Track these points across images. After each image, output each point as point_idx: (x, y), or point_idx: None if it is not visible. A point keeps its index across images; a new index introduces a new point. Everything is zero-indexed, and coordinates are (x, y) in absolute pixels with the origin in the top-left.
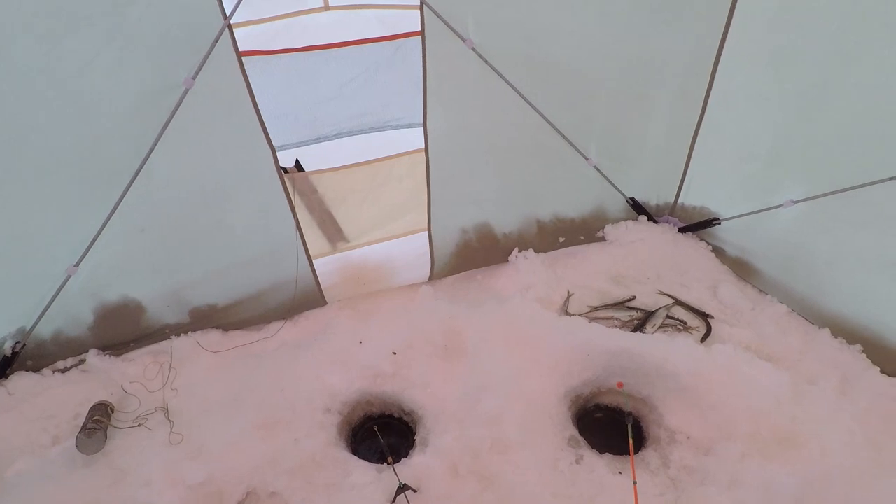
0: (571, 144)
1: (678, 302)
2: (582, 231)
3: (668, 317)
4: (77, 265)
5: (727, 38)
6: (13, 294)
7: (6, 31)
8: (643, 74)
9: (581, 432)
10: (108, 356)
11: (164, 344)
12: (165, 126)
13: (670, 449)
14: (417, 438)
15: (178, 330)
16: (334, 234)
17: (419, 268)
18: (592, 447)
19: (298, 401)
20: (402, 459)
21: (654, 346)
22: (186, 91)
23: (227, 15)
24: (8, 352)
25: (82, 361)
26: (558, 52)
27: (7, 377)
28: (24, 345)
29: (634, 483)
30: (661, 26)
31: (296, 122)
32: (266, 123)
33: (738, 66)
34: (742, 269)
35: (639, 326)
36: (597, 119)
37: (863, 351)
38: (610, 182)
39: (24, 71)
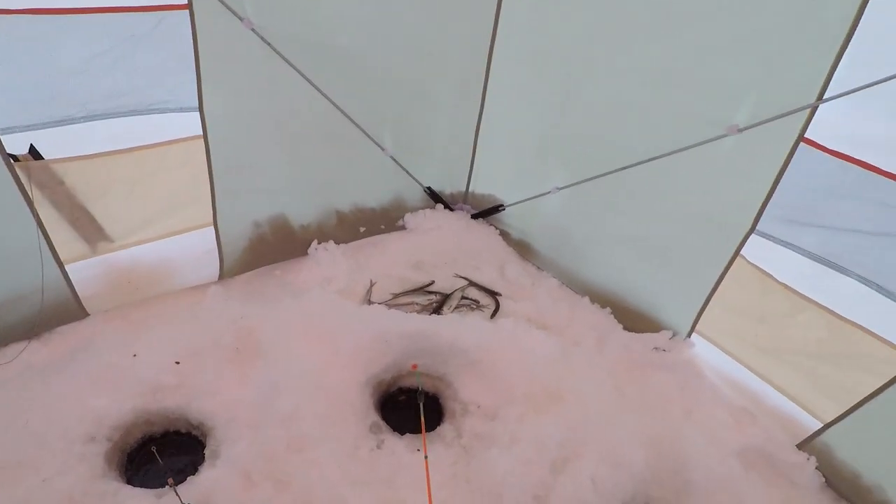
0: (366, 134)
1: (472, 283)
2: (383, 220)
3: (463, 297)
4: None
5: (496, 39)
6: None
7: None
8: (425, 67)
9: (384, 418)
10: None
11: None
12: None
13: (463, 420)
14: (207, 452)
15: None
16: (92, 234)
17: (206, 266)
18: (394, 430)
19: (49, 433)
20: (189, 478)
21: (448, 325)
22: None
23: None
24: None
25: None
26: (344, 40)
27: None
28: None
29: (426, 458)
30: (437, 23)
31: (27, 100)
32: None
33: (506, 65)
34: (524, 250)
35: (437, 309)
36: (388, 109)
37: (612, 313)
38: (406, 172)
39: None
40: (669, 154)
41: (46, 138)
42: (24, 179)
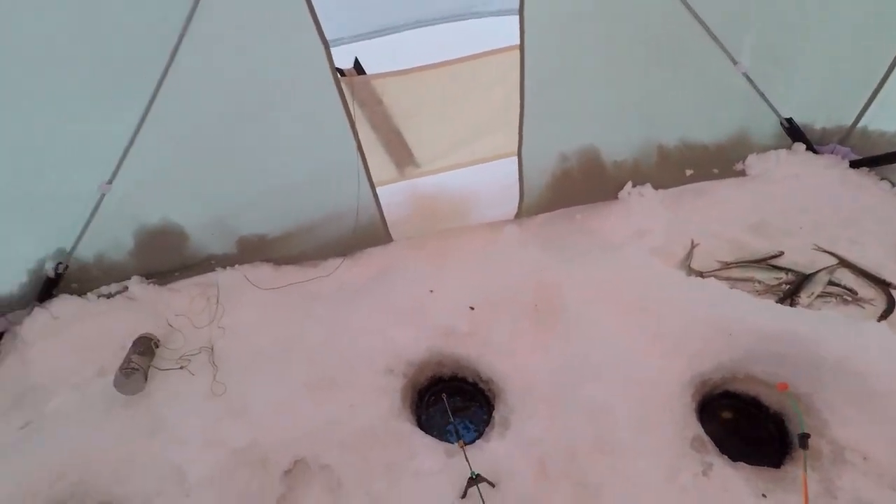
0: (716, 40)
1: (845, 263)
2: (716, 162)
3: (830, 283)
4: (110, 182)
5: None
6: (48, 213)
7: None
8: None
9: (705, 429)
10: (152, 285)
11: (210, 276)
12: (192, 12)
13: (834, 469)
14: (496, 416)
15: (225, 262)
16: (403, 157)
17: (504, 202)
18: (722, 451)
19: (357, 357)
20: (477, 441)
21: (816, 324)
22: None
23: None
24: (51, 273)
25: (126, 288)
26: None
27: (52, 300)
28: (67, 266)
29: None
30: None
31: (354, 8)
32: (316, 9)
33: None
34: None
35: (789, 294)
36: (758, 9)
37: None
38: (761, 95)
39: None
40: None
41: (370, 50)
42: (347, 96)
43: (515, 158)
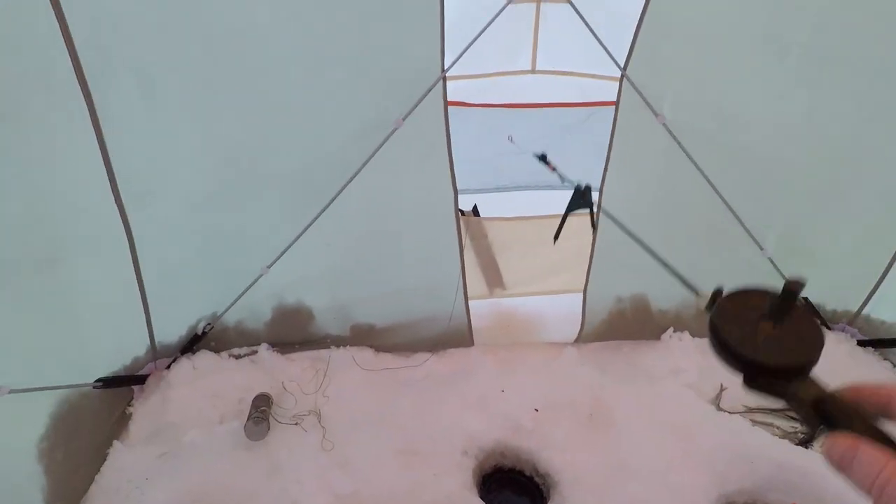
0: (748, 232)
1: None
2: None
3: None
4: (270, 266)
5: None
6: (215, 282)
7: (283, 60)
8: (847, 172)
9: None
10: (275, 352)
11: (323, 352)
12: (370, 157)
13: None
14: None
15: (338, 342)
16: (494, 280)
17: (568, 327)
18: None
19: (438, 436)
20: None
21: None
22: (395, 130)
23: (444, 68)
24: (199, 330)
25: (254, 352)
26: (753, 138)
27: (194, 353)
28: (213, 327)
29: None
30: (876, 127)
31: (482, 171)
32: (455, 168)
33: None
34: None
35: (804, 441)
36: (782, 210)
37: None
38: (783, 277)
39: (279, 98)
40: None
41: (485, 199)
42: (463, 230)
43: (581, 294)
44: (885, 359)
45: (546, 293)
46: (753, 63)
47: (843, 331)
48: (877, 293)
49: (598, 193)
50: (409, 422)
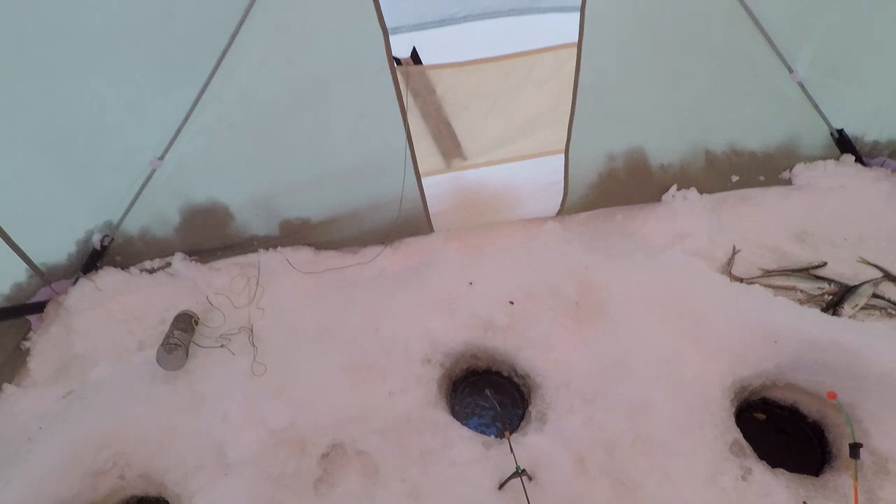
0: (774, 48)
1: (890, 277)
2: (763, 169)
3: (875, 296)
4: (162, 158)
5: None
6: (99, 185)
7: None
8: None
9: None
10: (194, 262)
11: (251, 256)
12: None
13: (879, 481)
14: (532, 411)
15: (267, 243)
16: (451, 149)
17: (548, 198)
18: (760, 457)
19: (395, 345)
20: (514, 436)
21: (861, 334)
22: None
23: None
24: (97, 245)
25: (168, 264)
26: None
27: (97, 272)
28: (112, 239)
29: None
30: None
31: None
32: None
33: None
34: None
35: (832, 304)
36: (819, 18)
37: None
38: (814, 105)
39: None
40: None
41: (427, 40)
42: (402, 85)
43: (563, 156)
44: None
45: (519, 158)
46: None
47: (882, 165)
48: None
49: (578, 16)
50: (359, 332)
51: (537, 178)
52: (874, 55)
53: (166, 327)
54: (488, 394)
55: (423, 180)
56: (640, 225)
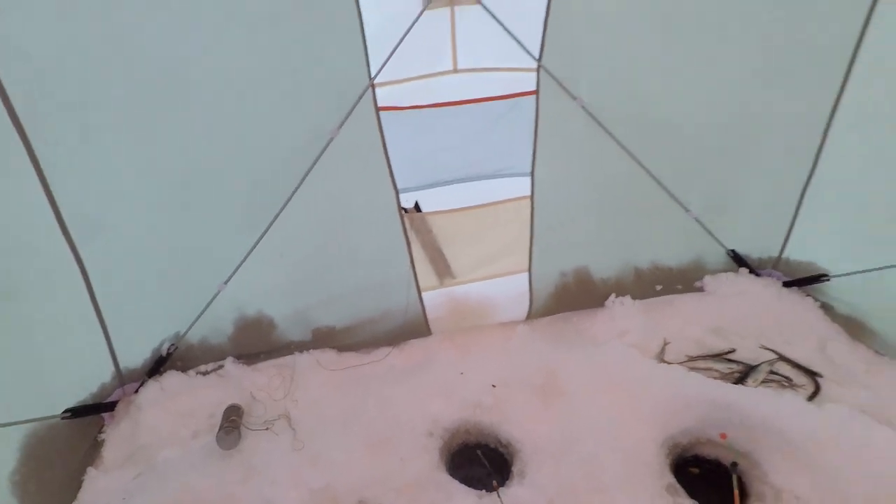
0: (672, 196)
1: (782, 357)
2: (680, 280)
3: (771, 372)
4: (226, 282)
5: (842, 99)
6: (175, 302)
7: (212, 86)
8: (750, 131)
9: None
10: (241, 364)
11: (287, 358)
12: (311, 168)
13: None
14: (515, 470)
15: (301, 347)
16: (443, 270)
17: (518, 307)
18: (691, 497)
19: (404, 423)
20: (500, 489)
21: (759, 400)
22: (331, 139)
23: (372, 77)
24: (164, 352)
25: (221, 367)
26: (665, 111)
27: (161, 374)
28: (177, 347)
29: None
30: (771, 89)
31: (419, 169)
32: (393, 168)
33: (853, 125)
34: (854, 329)
35: (739, 380)
36: (699, 173)
37: None
38: (710, 234)
39: (214, 122)
40: None
41: (426, 195)
42: (407, 226)
43: (527, 274)
44: (807, 295)
45: (494, 276)
46: (653, 41)
47: (769, 275)
48: (791, 237)
49: (530, 178)
50: (376, 414)
51: (509, 291)
52: (741, 198)
53: (216, 420)
54: (479, 454)
55: (423, 294)
56: (589, 325)
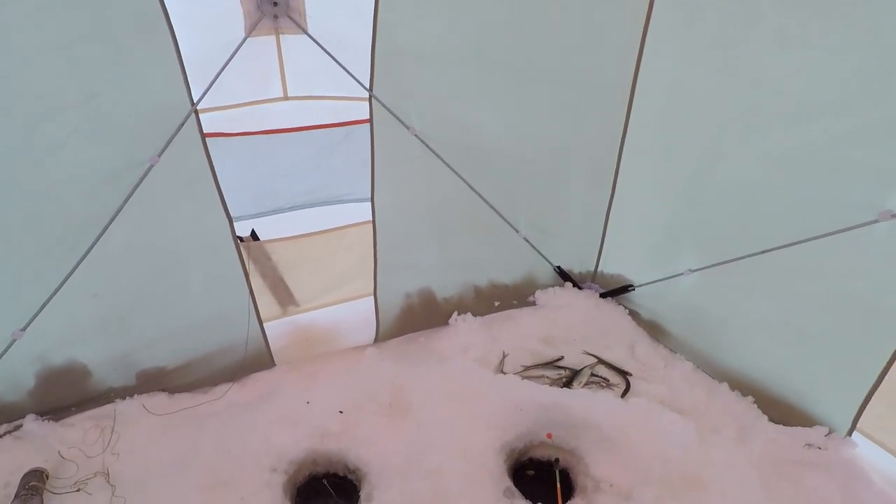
0: (503, 218)
1: (601, 361)
2: (515, 296)
3: (592, 374)
4: (24, 329)
5: (627, 133)
6: None
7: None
8: (560, 160)
9: (516, 485)
10: (46, 421)
11: (107, 408)
12: (127, 199)
13: (596, 497)
14: (362, 495)
15: (124, 393)
16: (285, 299)
17: (365, 330)
18: (526, 497)
19: (245, 460)
20: None
21: (580, 400)
22: (151, 167)
23: (194, 102)
24: None
25: (18, 427)
26: (489, 140)
27: None
28: None
29: None
30: (571, 123)
31: (254, 196)
32: (226, 197)
33: (637, 155)
34: (654, 331)
35: (566, 383)
36: (524, 196)
37: (755, 402)
38: (538, 252)
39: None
40: (814, 239)
41: (263, 224)
42: (244, 255)
43: (372, 298)
44: (619, 304)
45: (340, 302)
46: (471, 77)
47: (589, 288)
48: (603, 253)
49: (370, 204)
50: (213, 455)
51: (356, 315)
52: (560, 220)
53: (13, 489)
54: (325, 484)
55: (265, 324)
56: (435, 343)
